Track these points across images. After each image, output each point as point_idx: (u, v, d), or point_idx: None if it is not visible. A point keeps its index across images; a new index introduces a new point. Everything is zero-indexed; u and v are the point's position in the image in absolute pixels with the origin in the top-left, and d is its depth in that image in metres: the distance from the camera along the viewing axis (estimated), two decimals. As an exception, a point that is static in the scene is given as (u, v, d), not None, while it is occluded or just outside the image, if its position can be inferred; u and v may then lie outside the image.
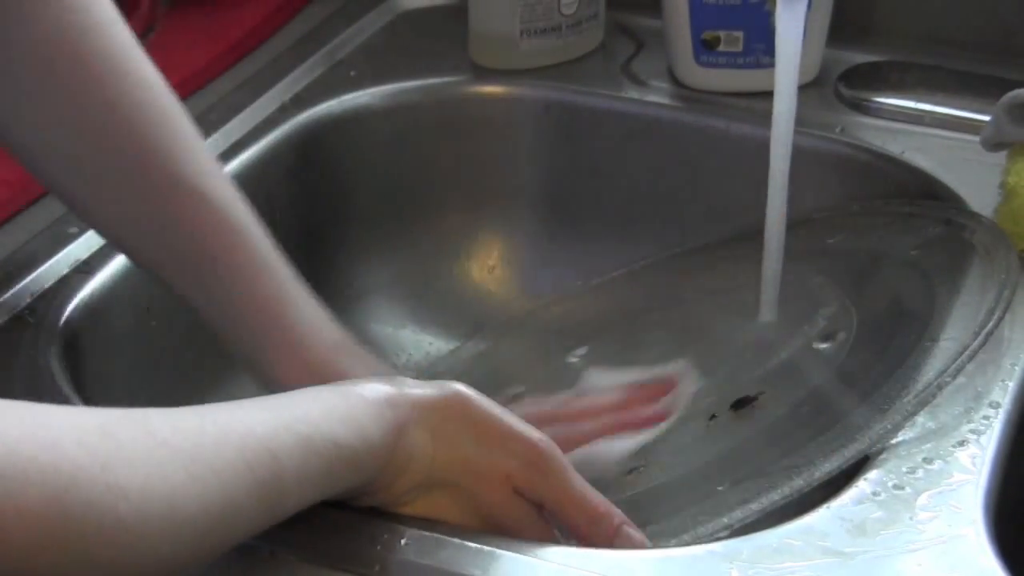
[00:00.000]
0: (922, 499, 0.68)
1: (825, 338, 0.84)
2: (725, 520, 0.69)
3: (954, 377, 0.73)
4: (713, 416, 0.80)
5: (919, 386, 0.73)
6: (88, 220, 0.78)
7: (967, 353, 0.73)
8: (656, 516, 0.73)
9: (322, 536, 0.66)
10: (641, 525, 0.70)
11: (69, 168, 0.74)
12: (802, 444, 0.72)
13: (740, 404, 0.81)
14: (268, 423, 0.59)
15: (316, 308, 0.77)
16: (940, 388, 0.72)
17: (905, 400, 0.72)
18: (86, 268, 0.85)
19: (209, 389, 0.93)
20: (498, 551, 0.65)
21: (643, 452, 0.81)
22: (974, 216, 0.86)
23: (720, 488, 0.73)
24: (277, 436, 0.59)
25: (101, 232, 0.78)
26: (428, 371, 1.00)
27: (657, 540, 0.69)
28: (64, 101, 0.72)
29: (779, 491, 0.69)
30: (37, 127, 0.73)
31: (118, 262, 0.86)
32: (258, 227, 0.76)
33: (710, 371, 0.87)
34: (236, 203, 0.76)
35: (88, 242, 0.86)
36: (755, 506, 0.69)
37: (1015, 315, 0.78)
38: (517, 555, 0.65)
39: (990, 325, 0.75)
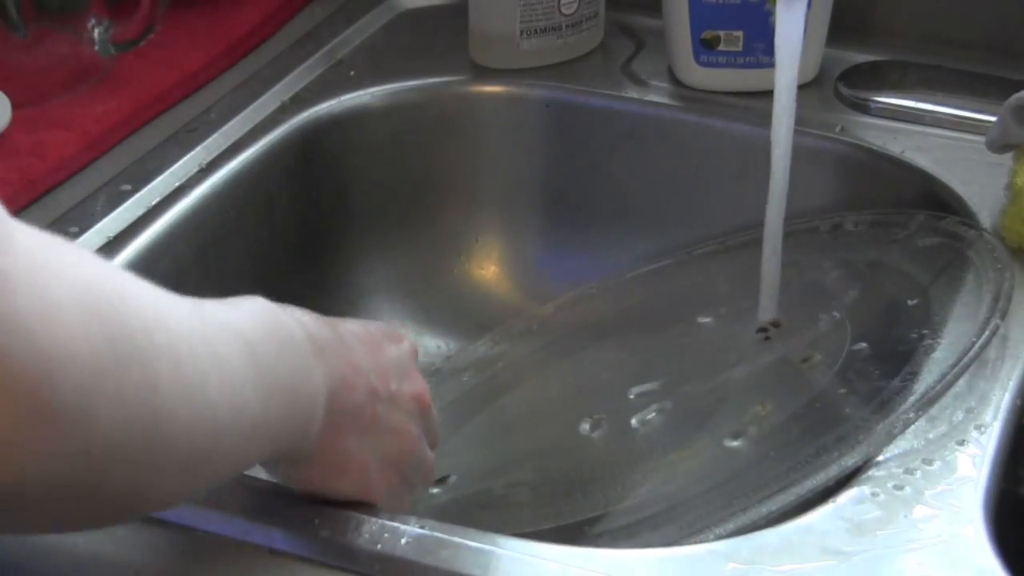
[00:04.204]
0: (922, 499, 0.68)
1: (822, 349, 0.84)
2: (717, 531, 0.69)
3: (950, 387, 0.73)
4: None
5: (916, 395, 0.73)
6: None
7: (959, 366, 0.74)
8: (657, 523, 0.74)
9: (322, 536, 0.66)
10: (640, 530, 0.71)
11: None
12: (803, 453, 0.73)
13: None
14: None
15: None
16: (936, 399, 0.72)
17: (903, 408, 0.72)
18: (86, 268, 0.85)
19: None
20: (498, 551, 0.65)
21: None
22: (969, 224, 0.86)
23: (716, 499, 0.73)
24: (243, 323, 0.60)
25: None
26: (428, 370, 1.00)
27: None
28: None
29: (774, 501, 0.69)
30: None
31: (118, 262, 0.86)
32: None
33: (708, 374, 0.87)
34: None
35: (88, 242, 0.86)
36: (746, 518, 0.69)
37: (1015, 315, 0.79)
38: (517, 555, 0.65)
39: (984, 336, 0.75)
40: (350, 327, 0.69)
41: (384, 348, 0.70)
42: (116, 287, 0.51)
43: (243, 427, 0.57)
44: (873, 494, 0.68)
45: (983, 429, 0.72)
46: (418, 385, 0.71)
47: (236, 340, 0.58)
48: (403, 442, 0.69)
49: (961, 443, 0.71)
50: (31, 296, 0.47)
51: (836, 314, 0.87)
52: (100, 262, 0.53)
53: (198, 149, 0.95)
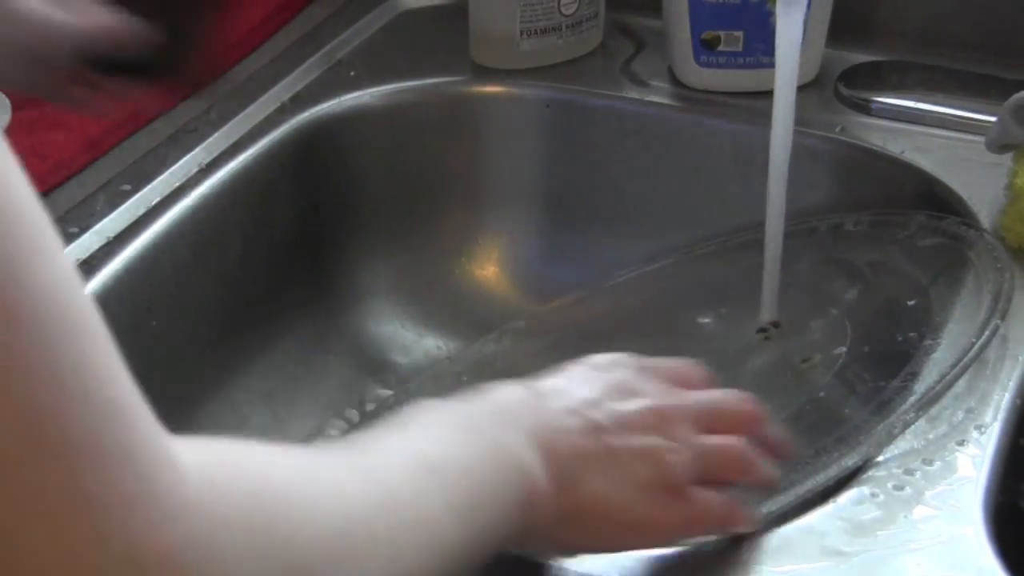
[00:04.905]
0: (922, 499, 0.68)
1: (822, 350, 0.84)
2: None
3: (950, 387, 0.73)
4: None
5: (916, 396, 0.73)
6: None
7: (959, 367, 0.74)
8: None
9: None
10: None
11: None
12: (803, 453, 0.72)
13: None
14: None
15: None
16: (936, 399, 0.72)
17: (903, 409, 0.72)
18: (86, 268, 0.85)
19: (209, 389, 0.93)
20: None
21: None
22: (969, 224, 0.86)
23: None
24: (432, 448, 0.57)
25: None
26: (429, 371, 1.00)
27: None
28: None
29: (774, 502, 0.69)
30: None
31: (118, 262, 0.86)
32: None
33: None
34: None
35: (88, 242, 0.86)
36: None
37: (1015, 316, 0.78)
38: (517, 554, 0.65)
39: (984, 336, 0.75)
40: (550, 380, 0.64)
41: (591, 377, 0.65)
42: (277, 503, 0.49)
43: (451, 551, 0.55)
44: (873, 494, 0.68)
45: (983, 429, 0.72)
46: (645, 396, 0.65)
47: (415, 467, 0.55)
48: (656, 463, 0.63)
49: (961, 443, 0.71)
50: (194, 541, 0.44)
51: (836, 314, 0.87)
52: (259, 469, 0.50)
53: (198, 149, 0.95)
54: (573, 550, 0.64)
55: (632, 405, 0.64)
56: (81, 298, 0.44)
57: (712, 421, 0.67)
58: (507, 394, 0.62)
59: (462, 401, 0.61)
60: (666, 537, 0.64)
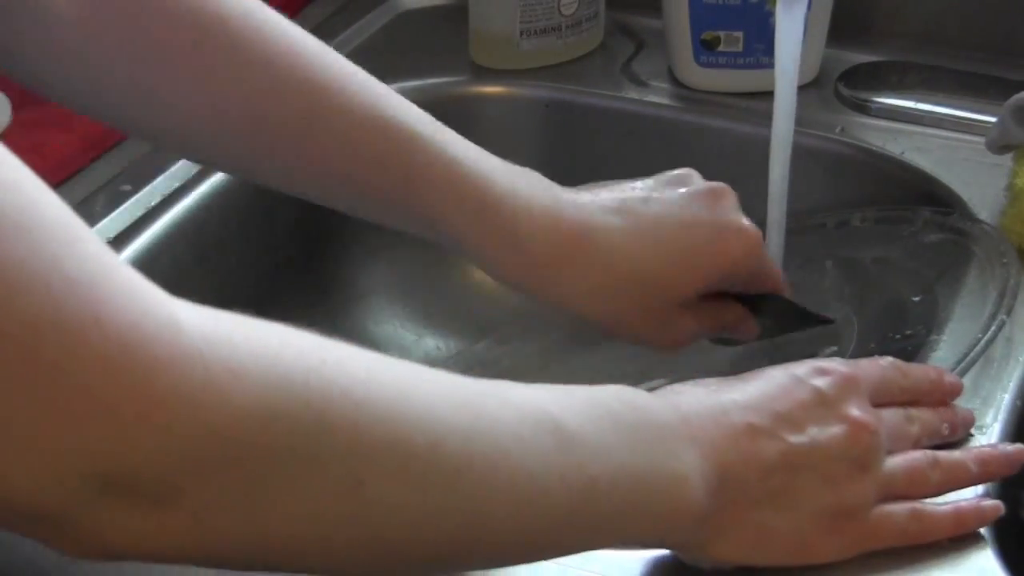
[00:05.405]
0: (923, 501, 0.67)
1: (827, 347, 0.84)
2: None
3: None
4: None
5: None
6: (267, 180, 0.76)
7: (965, 363, 0.73)
8: None
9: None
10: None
11: (240, 137, 0.72)
12: None
13: None
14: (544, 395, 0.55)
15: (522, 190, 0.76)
16: None
17: None
18: (86, 268, 0.85)
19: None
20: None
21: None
22: (975, 220, 0.86)
23: None
24: (556, 401, 0.55)
25: (282, 187, 0.76)
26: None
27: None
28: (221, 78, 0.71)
29: None
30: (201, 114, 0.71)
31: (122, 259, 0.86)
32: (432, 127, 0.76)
33: (711, 374, 0.87)
34: (410, 117, 0.76)
35: (88, 242, 0.86)
36: None
37: (1016, 315, 0.78)
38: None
39: (990, 332, 0.75)
40: (748, 386, 0.62)
41: (792, 388, 0.62)
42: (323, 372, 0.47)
43: (555, 524, 0.54)
44: (874, 494, 0.68)
45: (984, 430, 0.72)
46: (849, 417, 0.62)
47: (540, 424, 0.53)
48: (838, 493, 0.62)
49: (962, 444, 0.71)
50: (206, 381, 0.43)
51: (842, 311, 0.87)
52: (291, 337, 0.49)
53: (198, 149, 0.95)
54: (720, 560, 0.61)
55: (834, 428, 0.62)
56: None
57: (907, 435, 0.66)
58: (692, 400, 0.60)
59: (648, 396, 0.60)
60: (831, 559, 0.62)
